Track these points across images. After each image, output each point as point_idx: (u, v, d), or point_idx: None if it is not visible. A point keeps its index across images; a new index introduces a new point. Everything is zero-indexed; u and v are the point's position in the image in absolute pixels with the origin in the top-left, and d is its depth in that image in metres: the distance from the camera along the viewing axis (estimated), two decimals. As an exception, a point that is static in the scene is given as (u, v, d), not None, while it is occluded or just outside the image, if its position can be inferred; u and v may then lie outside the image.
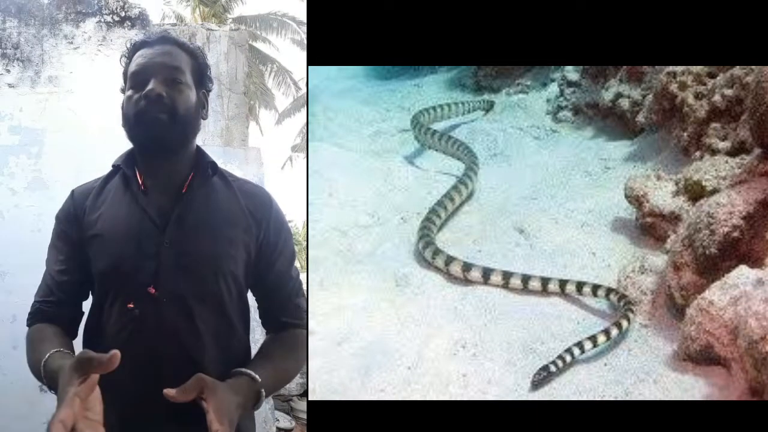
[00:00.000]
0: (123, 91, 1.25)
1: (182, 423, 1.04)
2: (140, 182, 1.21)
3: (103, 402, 1.04)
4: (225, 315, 1.20)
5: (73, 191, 1.28)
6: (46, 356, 1.09)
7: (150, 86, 1.17)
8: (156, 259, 1.15)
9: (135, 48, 1.25)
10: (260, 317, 1.31)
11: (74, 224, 1.23)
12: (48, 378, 1.07)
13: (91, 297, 1.25)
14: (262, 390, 1.12)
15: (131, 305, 1.13)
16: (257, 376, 1.12)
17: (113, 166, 1.26)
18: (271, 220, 1.26)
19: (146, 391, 1.07)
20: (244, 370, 1.13)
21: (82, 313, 1.25)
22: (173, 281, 1.14)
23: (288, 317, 1.29)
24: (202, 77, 1.27)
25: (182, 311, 1.14)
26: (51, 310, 1.22)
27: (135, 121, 1.19)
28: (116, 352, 0.90)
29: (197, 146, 1.29)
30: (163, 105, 1.17)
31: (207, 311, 1.16)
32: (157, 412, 1.07)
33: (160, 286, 1.14)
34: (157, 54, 1.21)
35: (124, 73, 1.25)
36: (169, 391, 0.99)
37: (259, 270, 1.26)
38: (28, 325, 1.23)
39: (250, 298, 1.29)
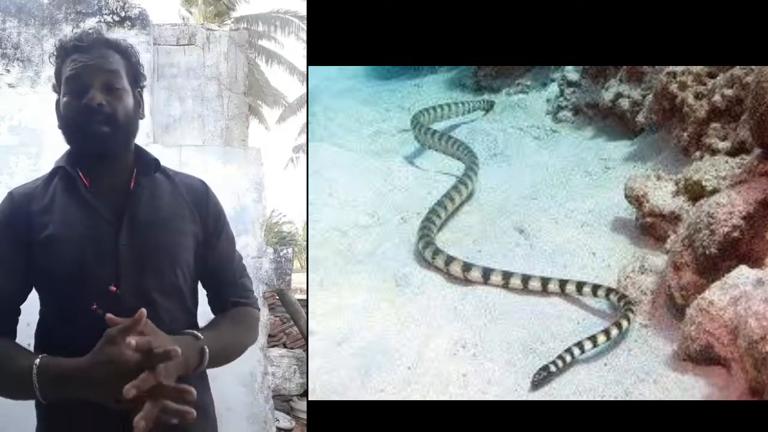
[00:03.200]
0: (55, 89, 1.26)
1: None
2: (86, 182, 1.22)
3: (80, 402, 1.04)
4: (183, 303, 1.24)
5: (11, 193, 1.25)
6: (36, 362, 1.06)
7: (90, 95, 1.18)
8: (114, 258, 1.17)
9: (66, 50, 1.24)
10: (209, 303, 1.35)
11: (18, 227, 1.20)
12: (44, 381, 1.05)
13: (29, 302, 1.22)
14: (205, 347, 1.13)
15: (95, 307, 1.13)
16: (199, 335, 1.15)
17: (56, 166, 1.26)
18: (210, 207, 1.32)
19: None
20: (187, 330, 1.16)
21: (17, 317, 1.22)
22: (134, 278, 1.17)
23: (236, 296, 1.33)
24: (137, 76, 1.29)
25: (146, 306, 1.11)
26: None
27: (76, 130, 1.21)
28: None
29: (136, 145, 1.31)
30: (105, 115, 1.19)
31: (168, 302, 1.20)
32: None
33: (121, 283, 1.16)
34: (93, 58, 1.21)
35: (57, 74, 1.25)
36: (113, 318, 1.02)
37: (205, 253, 1.30)
38: None
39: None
